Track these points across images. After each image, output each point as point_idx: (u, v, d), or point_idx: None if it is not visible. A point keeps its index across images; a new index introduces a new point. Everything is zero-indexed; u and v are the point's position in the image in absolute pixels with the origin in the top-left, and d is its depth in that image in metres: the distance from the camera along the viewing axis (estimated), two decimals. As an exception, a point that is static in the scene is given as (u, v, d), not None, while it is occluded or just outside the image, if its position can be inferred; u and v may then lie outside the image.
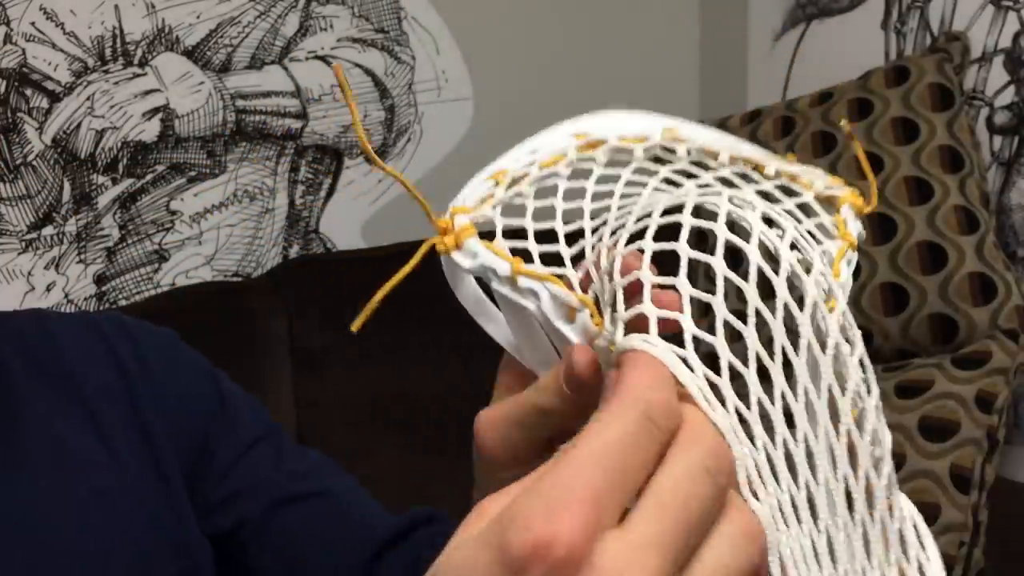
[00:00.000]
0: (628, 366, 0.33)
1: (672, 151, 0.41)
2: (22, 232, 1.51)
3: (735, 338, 0.34)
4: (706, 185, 0.40)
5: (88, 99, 1.52)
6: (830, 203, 0.41)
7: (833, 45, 1.68)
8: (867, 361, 0.36)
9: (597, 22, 1.85)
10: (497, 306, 0.41)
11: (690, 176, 0.41)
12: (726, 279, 0.34)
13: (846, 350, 0.35)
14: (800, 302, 0.35)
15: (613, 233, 0.39)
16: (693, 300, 0.35)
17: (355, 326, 0.36)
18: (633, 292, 0.35)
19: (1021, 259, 1.42)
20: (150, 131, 1.54)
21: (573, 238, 0.39)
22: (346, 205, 1.69)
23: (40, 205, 1.52)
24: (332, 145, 1.67)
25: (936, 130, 1.41)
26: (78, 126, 1.52)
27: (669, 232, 0.36)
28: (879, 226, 1.39)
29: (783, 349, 0.34)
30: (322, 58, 1.65)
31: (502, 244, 0.38)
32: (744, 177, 0.41)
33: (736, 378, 0.33)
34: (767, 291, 0.35)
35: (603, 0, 1.84)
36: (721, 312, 0.34)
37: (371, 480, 1.52)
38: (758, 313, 0.34)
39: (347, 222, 1.70)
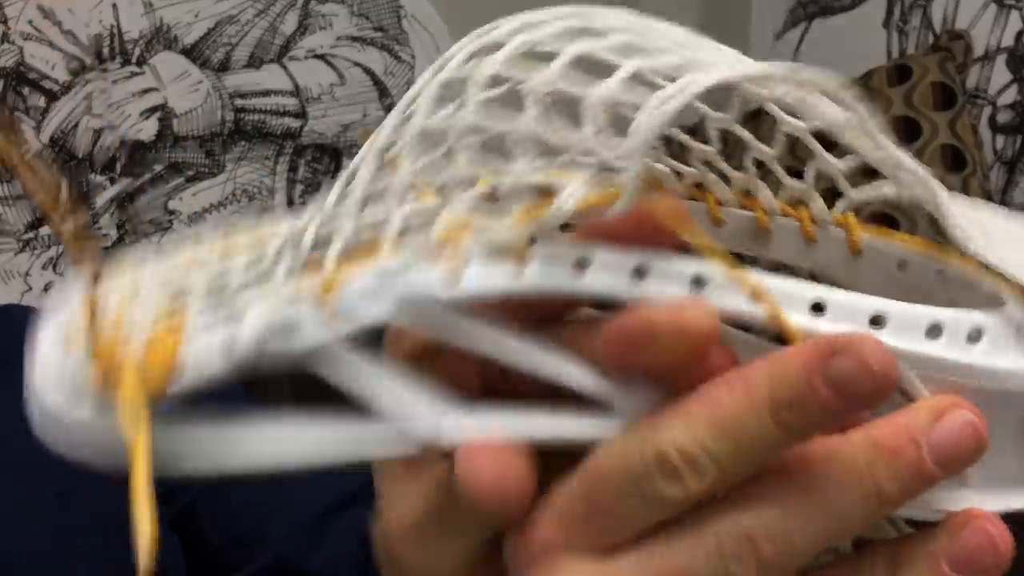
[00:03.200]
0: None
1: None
2: (19, 232, 1.51)
3: None
4: None
5: (86, 98, 1.52)
6: None
7: (835, 44, 1.67)
8: None
9: (598, 21, 1.84)
10: None
11: None
12: None
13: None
14: None
15: None
16: None
17: None
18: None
19: (1024, 259, 1.42)
20: (148, 130, 1.54)
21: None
22: (345, 204, 1.69)
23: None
24: (331, 144, 1.66)
25: (938, 129, 1.41)
26: (75, 125, 1.52)
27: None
28: (884, 225, 1.39)
29: None
30: (321, 57, 1.64)
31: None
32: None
33: None
34: None
35: (604, -1, 1.84)
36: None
37: (371, 480, 1.52)
38: None
39: (346, 221, 1.69)
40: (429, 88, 0.29)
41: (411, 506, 0.30)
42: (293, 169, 1.65)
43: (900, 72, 1.46)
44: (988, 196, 1.41)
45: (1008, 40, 1.44)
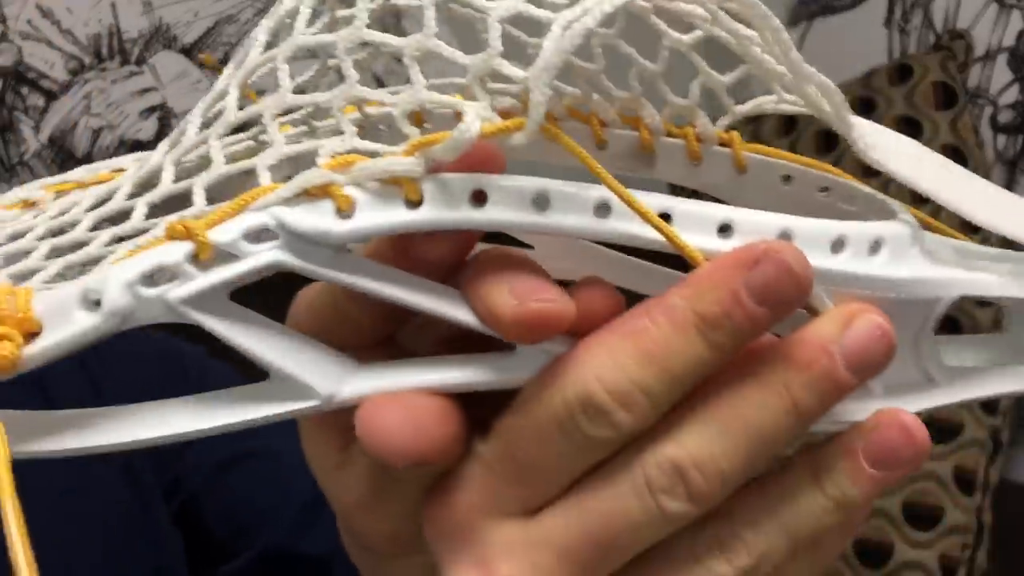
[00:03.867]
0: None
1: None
2: (19, 231, 1.50)
3: None
4: None
5: (85, 97, 1.51)
6: None
7: (836, 43, 1.67)
8: None
9: (598, 20, 1.84)
10: None
11: None
12: None
13: None
14: None
15: None
16: None
17: None
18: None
19: (1025, 259, 1.42)
20: (147, 130, 1.53)
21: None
22: (345, 204, 1.69)
23: (37, 204, 1.51)
24: (331, 144, 1.66)
25: (939, 129, 1.40)
26: (75, 125, 1.51)
27: None
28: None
29: None
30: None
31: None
32: None
33: None
34: None
35: None
36: None
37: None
38: None
39: (346, 221, 1.69)
40: (304, 4, 0.28)
41: (354, 482, 0.30)
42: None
43: (901, 72, 1.45)
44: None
45: (1009, 40, 1.44)
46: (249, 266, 0.24)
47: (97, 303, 0.23)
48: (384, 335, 0.29)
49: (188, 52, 1.56)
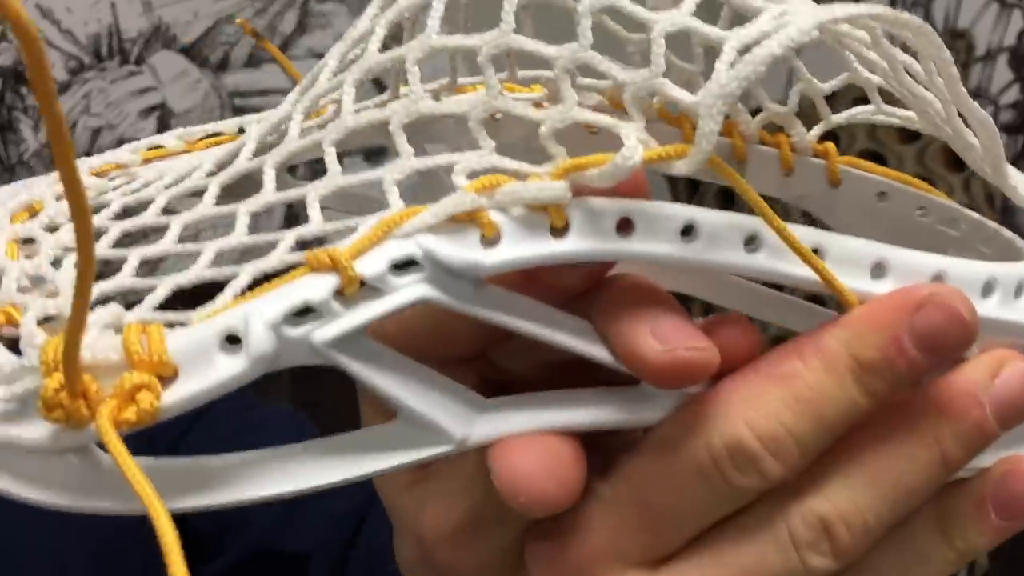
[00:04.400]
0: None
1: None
2: (18, 231, 1.50)
3: None
4: None
5: (84, 97, 1.51)
6: None
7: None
8: None
9: (598, 20, 1.83)
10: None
11: None
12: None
13: None
14: None
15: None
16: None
17: None
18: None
19: (1026, 259, 1.41)
20: (147, 129, 1.53)
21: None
22: (345, 204, 1.68)
23: (36, 204, 1.50)
24: (331, 144, 1.66)
25: (940, 129, 1.40)
26: (74, 124, 1.51)
27: None
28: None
29: None
30: (320, 56, 1.63)
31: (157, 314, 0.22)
32: None
33: None
34: None
35: None
36: None
37: (370, 480, 1.52)
38: None
39: (346, 221, 1.69)
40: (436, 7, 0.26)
41: (447, 510, 0.27)
42: (291, 169, 1.64)
43: (901, 71, 1.45)
44: (990, 196, 1.40)
45: (1010, 39, 1.44)
46: (397, 303, 0.22)
47: (233, 340, 0.21)
48: (478, 352, 0.28)
49: (187, 52, 1.56)
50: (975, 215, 0.31)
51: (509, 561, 0.27)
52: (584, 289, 0.25)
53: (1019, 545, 0.33)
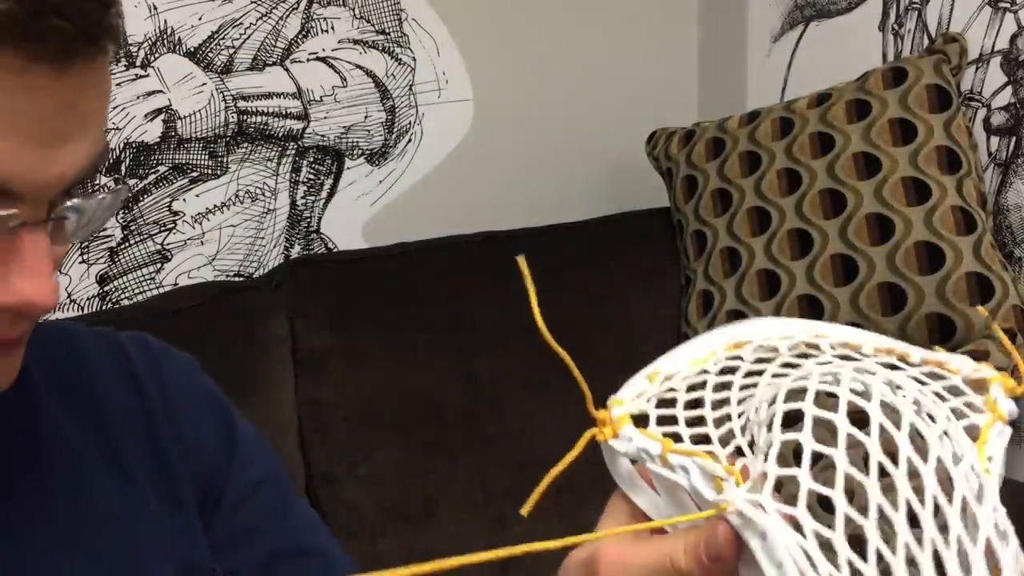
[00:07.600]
0: None
1: (816, 347, 0.45)
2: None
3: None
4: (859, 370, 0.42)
5: (90, 100, 1.53)
6: (979, 385, 0.42)
7: (831, 46, 1.69)
8: (1021, 555, 0.36)
9: (596, 23, 1.85)
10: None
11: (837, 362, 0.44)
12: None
13: (998, 545, 0.36)
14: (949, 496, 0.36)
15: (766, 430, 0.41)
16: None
17: (524, 510, 0.42)
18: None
19: (1018, 259, 1.43)
20: (152, 132, 1.55)
21: (720, 422, 0.44)
22: (347, 206, 1.70)
23: (42, 206, 1.52)
24: (333, 146, 1.68)
25: (934, 131, 1.42)
26: (81, 127, 1.53)
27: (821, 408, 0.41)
28: (876, 226, 1.40)
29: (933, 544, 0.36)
30: (323, 59, 1.65)
31: (655, 430, 0.43)
32: (891, 367, 0.43)
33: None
34: (912, 476, 0.37)
35: (603, 2, 1.85)
36: (841, 505, 0.37)
37: (371, 480, 1.52)
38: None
39: (348, 223, 1.70)
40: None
41: (643, 548, 0.44)
42: (296, 170, 1.66)
43: (896, 74, 1.47)
44: (982, 197, 1.42)
45: (1003, 42, 1.46)
46: (627, 450, 0.45)
47: (630, 440, 0.44)
48: None
49: (193, 55, 1.57)
50: None
51: None
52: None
53: (1019, 544, 0.35)
